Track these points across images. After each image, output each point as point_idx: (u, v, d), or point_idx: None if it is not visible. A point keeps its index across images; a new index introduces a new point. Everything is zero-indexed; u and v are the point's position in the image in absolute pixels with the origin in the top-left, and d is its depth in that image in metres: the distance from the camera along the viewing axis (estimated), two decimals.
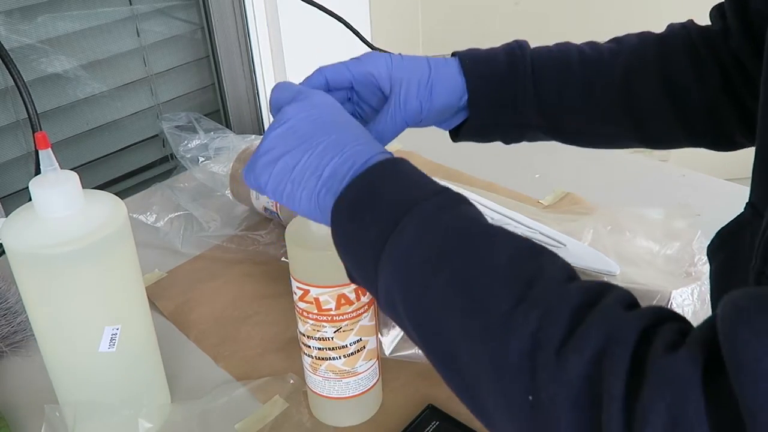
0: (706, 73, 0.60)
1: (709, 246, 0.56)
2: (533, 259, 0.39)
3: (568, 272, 0.39)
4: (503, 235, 0.41)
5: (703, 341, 0.32)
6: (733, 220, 0.54)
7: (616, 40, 0.65)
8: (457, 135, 0.66)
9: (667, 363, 0.32)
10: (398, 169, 0.45)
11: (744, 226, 0.53)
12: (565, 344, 0.34)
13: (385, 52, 0.61)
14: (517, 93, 0.62)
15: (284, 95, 0.52)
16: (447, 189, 0.44)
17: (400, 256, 0.41)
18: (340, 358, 0.60)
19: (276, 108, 0.52)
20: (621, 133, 0.65)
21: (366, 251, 0.43)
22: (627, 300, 0.37)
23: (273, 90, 0.53)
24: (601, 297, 0.36)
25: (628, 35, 0.65)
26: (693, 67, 0.61)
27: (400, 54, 0.61)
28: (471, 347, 0.38)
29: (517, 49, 0.63)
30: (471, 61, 0.62)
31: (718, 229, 0.55)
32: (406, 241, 0.41)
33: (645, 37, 0.64)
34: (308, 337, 0.60)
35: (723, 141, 0.64)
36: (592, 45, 0.65)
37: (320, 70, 0.59)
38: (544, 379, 0.34)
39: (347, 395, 0.62)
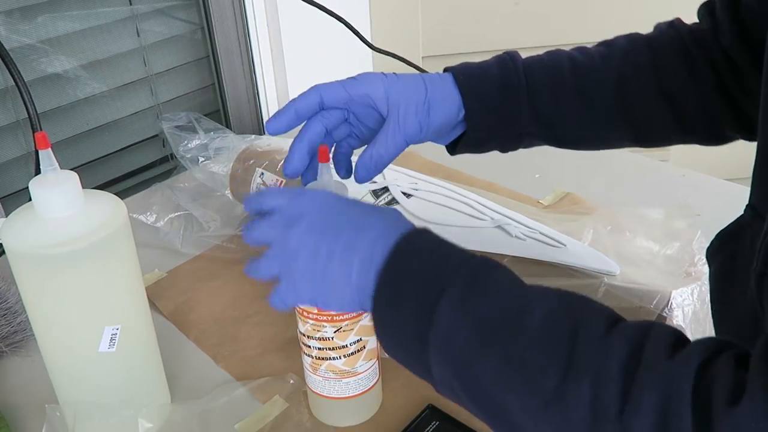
0: (699, 73, 0.61)
1: (708, 248, 0.56)
2: (568, 316, 0.39)
3: (605, 319, 0.39)
4: (532, 296, 0.42)
5: (763, 385, 0.32)
6: (732, 222, 0.54)
7: (605, 44, 0.65)
8: (454, 148, 0.66)
9: (734, 421, 0.32)
10: (413, 254, 0.45)
11: (744, 228, 0.53)
12: (623, 409, 0.35)
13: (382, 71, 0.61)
14: (513, 105, 0.62)
15: (269, 203, 0.51)
16: (467, 261, 0.44)
17: (445, 348, 0.42)
18: (340, 358, 0.60)
19: (256, 210, 0.51)
20: (618, 136, 0.66)
21: (413, 345, 0.44)
22: (670, 338, 0.37)
23: (258, 195, 0.52)
24: (645, 343, 0.37)
25: (617, 38, 0.65)
26: (686, 68, 0.61)
27: (395, 73, 0.61)
28: (536, 423, 0.38)
29: (509, 62, 0.63)
30: (465, 77, 0.62)
31: (718, 231, 0.55)
32: (445, 332, 0.42)
33: (634, 39, 0.64)
34: (308, 337, 0.60)
35: (715, 136, 0.64)
36: (582, 51, 0.65)
37: (316, 88, 0.59)
38: None
39: (347, 395, 0.62)
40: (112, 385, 0.62)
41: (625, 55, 0.63)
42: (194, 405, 0.67)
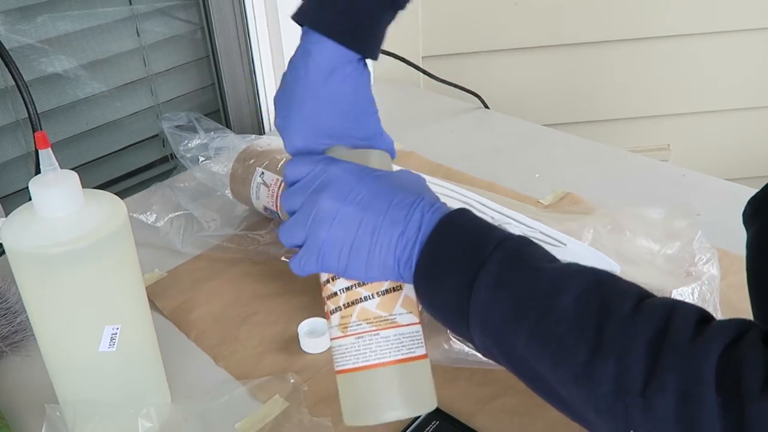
0: None
1: (743, 214, 0.56)
2: (598, 294, 0.41)
3: (632, 298, 0.41)
4: (564, 276, 0.43)
5: None
6: (763, 188, 0.54)
7: None
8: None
9: (765, 408, 0.33)
10: (455, 233, 0.47)
11: None
12: (647, 386, 0.37)
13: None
14: None
15: (301, 171, 0.51)
16: (504, 240, 0.45)
17: (483, 321, 0.44)
18: (373, 297, 0.50)
19: (290, 182, 0.52)
20: None
21: (455, 317, 0.46)
22: (694, 317, 0.38)
23: (290, 164, 0.52)
24: (669, 324, 0.38)
25: None
26: None
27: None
28: (568, 391, 0.41)
29: None
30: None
31: (753, 197, 0.54)
32: (483, 306, 0.44)
33: None
34: (333, 279, 0.52)
35: None
36: None
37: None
38: (638, 421, 0.38)
39: (387, 359, 0.50)
40: (112, 384, 0.62)
41: None
42: (194, 405, 0.67)
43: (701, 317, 0.39)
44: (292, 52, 0.56)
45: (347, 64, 0.52)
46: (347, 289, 0.51)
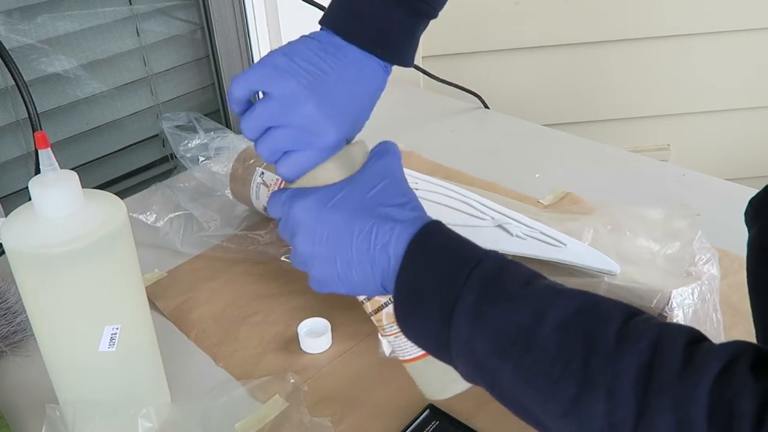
0: None
1: (745, 214, 0.56)
2: (579, 322, 0.40)
3: (615, 323, 0.39)
4: (543, 303, 0.42)
5: None
6: (763, 189, 0.54)
7: None
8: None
9: None
10: (426, 257, 0.46)
11: None
12: (638, 426, 0.36)
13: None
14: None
15: (276, 212, 0.53)
16: (479, 263, 0.44)
17: (465, 352, 0.44)
18: (391, 301, 0.53)
19: (275, 213, 0.53)
20: None
21: (438, 347, 0.46)
22: (680, 347, 0.37)
23: (268, 203, 0.54)
24: (655, 352, 0.37)
25: None
26: None
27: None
28: (557, 424, 0.41)
29: None
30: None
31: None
32: (464, 339, 0.44)
33: None
34: None
35: None
36: None
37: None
38: None
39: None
40: (112, 384, 0.62)
41: None
42: (194, 405, 0.67)
43: (690, 338, 0.37)
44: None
45: (378, 68, 0.54)
46: (368, 298, 0.55)
